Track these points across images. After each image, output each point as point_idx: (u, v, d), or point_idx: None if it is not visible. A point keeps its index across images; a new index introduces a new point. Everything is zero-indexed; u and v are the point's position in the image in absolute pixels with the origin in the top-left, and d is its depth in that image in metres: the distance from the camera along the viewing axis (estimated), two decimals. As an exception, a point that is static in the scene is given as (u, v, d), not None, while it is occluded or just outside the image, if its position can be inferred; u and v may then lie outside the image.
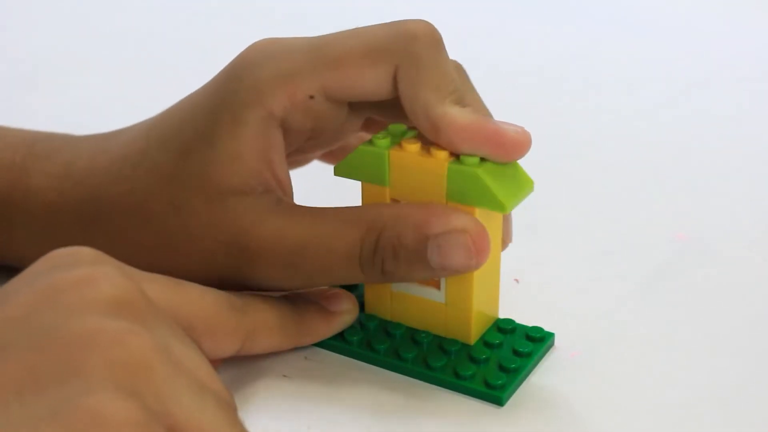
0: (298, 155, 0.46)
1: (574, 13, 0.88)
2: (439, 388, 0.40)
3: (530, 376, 0.41)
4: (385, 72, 0.40)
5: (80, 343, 0.29)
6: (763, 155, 0.61)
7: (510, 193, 0.38)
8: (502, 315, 0.43)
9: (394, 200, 0.41)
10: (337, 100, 0.41)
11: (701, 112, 0.67)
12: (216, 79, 0.42)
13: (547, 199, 0.48)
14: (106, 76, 0.74)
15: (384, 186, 0.40)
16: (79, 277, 0.32)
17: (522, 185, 0.39)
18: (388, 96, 0.40)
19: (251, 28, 0.84)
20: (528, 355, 0.41)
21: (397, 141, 0.40)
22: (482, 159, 0.39)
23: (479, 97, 0.43)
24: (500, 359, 0.40)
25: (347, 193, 0.46)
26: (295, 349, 0.42)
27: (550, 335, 0.42)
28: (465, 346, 0.41)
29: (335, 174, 0.41)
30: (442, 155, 0.39)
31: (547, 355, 0.42)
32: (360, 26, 0.41)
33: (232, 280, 0.41)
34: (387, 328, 0.42)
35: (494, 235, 0.41)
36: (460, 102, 0.39)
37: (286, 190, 0.42)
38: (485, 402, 0.39)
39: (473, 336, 0.41)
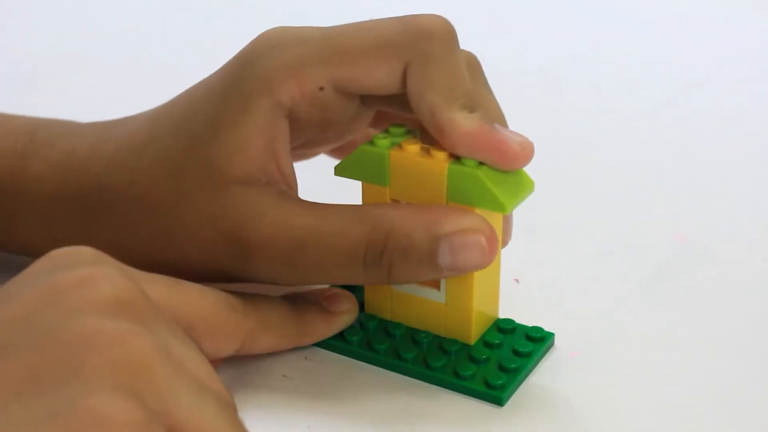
0: (305, 148, 0.46)
1: (574, 13, 0.88)
2: (439, 388, 0.40)
3: (530, 376, 0.41)
4: (395, 68, 0.39)
5: (81, 343, 0.29)
6: (763, 155, 0.61)
7: (510, 193, 0.38)
8: (502, 315, 0.43)
9: (395, 200, 0.41)
10: (346, 92, 0.40)
11: (701, 112, 0.67)
12: (226, 66, 0.42)
13: (547, 200, 0.48)
14: (106, 76, 0.74)
15: (384, 186, 0.40)
16: (79, 277, 0.31)
17: (522, 186, 0.39)
18: (398, 91, 0.40)
19: (251, 28, 0.84)
20: (528, 355, 0.41)
21: (397, 141, 0.40)
22: (482, 159, 0.39)
23: (492, 95, 0.42)
24: (500, 359, 0.40)
25: (347, 193, 0.46)
26: (295, 349, 0.42)
27: (550, 335, 0.42)
28: (465, 346, 0.41)
29: (335, 174, 0.41)
30: (443, 156, 0.39)
31: (547, 355, 0.42)
32: (374, 18, 0.41)
33: (231, 273, 0.40)
34: (387, 328, 0.42)
35: (495, 235, 0.41)
36: (469, 106, 0.39)
37: (290, 183, 0.41)
38: (485, 402, 0.39)
39: (473, 336, 0.41)
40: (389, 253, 0.38)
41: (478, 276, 0.40)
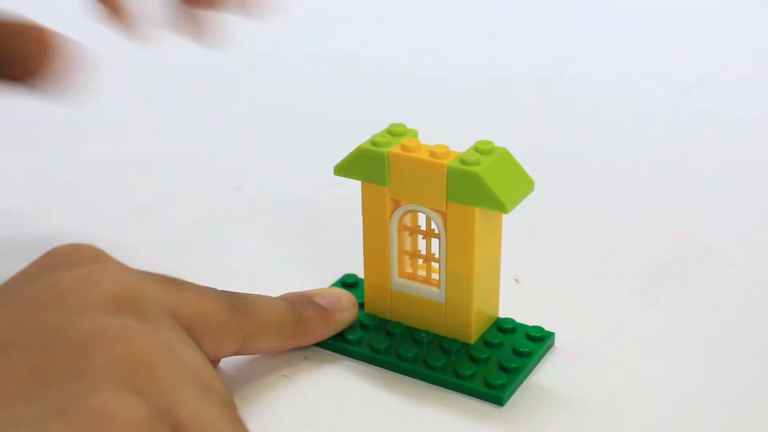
0: None
1: (574, 13, 0.88)
2: (439, 387, 0.40)
3: (530, 376, 0.41)
4: None
5: (85, 341, 0.29)
6: (763, 155, 0.61)
7: (510, 192, 0.38)
8: (502, 315, 0.43)
9: (395, 200, 0.41)
10: None
11: (701, 112, 0.67)
12: None
13: (547, 199, 0.48)
14: (106, 76, 0.74)
15: (384, 186, 0.40)
16: (82, 275, 0.32)
17: (522, 184, 0.39)
18: None
19: (251, 27, 0.84)
20: (528, 355, 0.41)
21: (397, 141, 0.40)
22: (482, 157, 0.38)
23: None
24: (500, 359, 0.40)
25: (347, 192, 0.46)
26: (295, 348, 0.42)
27: (551, 335, 0.42)
28: (465, 346, 0.41)
29: (335, 173, 0.41)
30: (442, 155, 0.39)
31: (547, 355, 0.42)
32: None
33: None
34: (387, 328, 0.42)
35: (494, 234, 0.41)
36: None
37: None
38: (485, 402, 0.39)
39: (473, 335, 0.41)
40: None
41: (478, 275, 0.40)
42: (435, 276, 0.42)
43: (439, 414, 0.39)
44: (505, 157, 0.39)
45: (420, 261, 0.43)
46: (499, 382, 0.39)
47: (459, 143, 0.41)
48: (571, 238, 0.52)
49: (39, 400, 0.28)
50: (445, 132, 0.46)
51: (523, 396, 0.40)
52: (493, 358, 0.41)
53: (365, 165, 0.40)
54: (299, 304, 0.41)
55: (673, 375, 0.41)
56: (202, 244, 0.51)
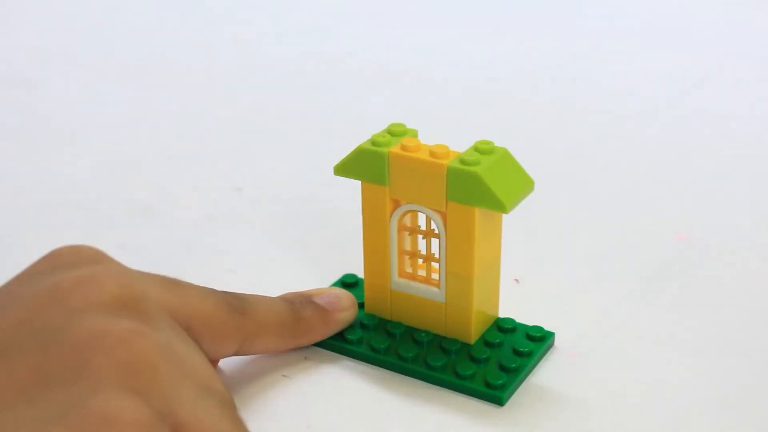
0: None
1: (574, 13, 0.88)
2: (439, 387, 0.40)
3: (530, 376, 0.41)
4: None
5: (85, 343, 0.29)
6: (763, 155, 0.61)
7: (510, 192, 0.38)
8: (502, 315, 0.43)
9: (395, 200, 0.41)
10: None
11: (701, 112, 0.67)
12: None
13: (547, 199, 0.48)
14: (106, 76, 0.74)
15: (384, 185, 0.40)
16: (81, 277, 0.32)
17: (522, 184, 0.39)
18: None
19: (251, 27, 0.84)
20: (528, 355, 0.41)
21: (397, 141, 0.40)
22: (482, 157, 0.38)
23: None
24: (500, 359, 0.40)
25: (347, 192, 0.46)
26: (295, 348, 0.42)
27: (551, 335, 0.42)
28: (465, 346, 0.41)
29: (335, 173, 0.41)
30: (443, 155, 0.39)
31: (547, 355, 0.42)
32: None
33: None
34: (387, 328, 0.42)
35: (494, 234, 0.41)
36: None
37: None
38: (485, 402, 0.39)
39: (473, 335, 0.41)
40: None
41: (478, 275, 0.40)
42: (435, 276, 0.42)
43: (439, 414, 0.39)
44: (505, 157, 0.39)
45: (420, 261, 0.42)
46: (499, 382, 0.39)
47: (459, 143, 0.41)
48: (571, 238, 0.52)
49: (40, 401, 0.28)
50: (445, 132, 0.46)
51: (523, 396, 0.40)
52: (493, 358, 0.41)
53: (365, 165, 0.40)
54: (298, 304, 0.41)
55: (673, 375, 0.41)
56: (202, 244, 0.51)
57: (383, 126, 0.41)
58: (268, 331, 0.39)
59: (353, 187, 0.42)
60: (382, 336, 0.42)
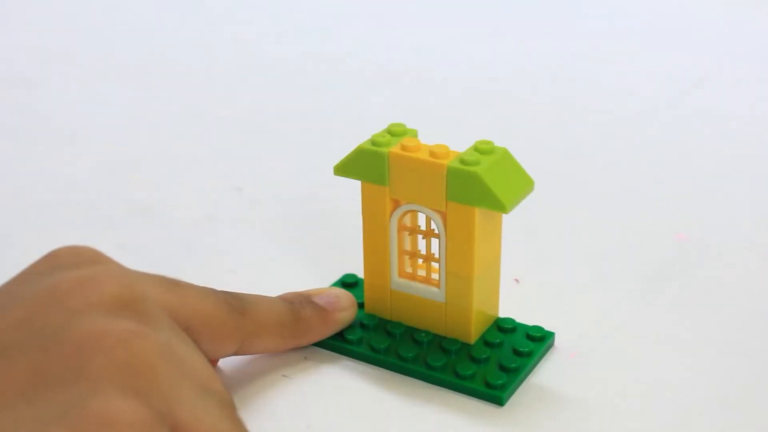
0: None
1: (574, 13, 0.88)
2: (439, 387, 0.40)
3: (530, 376, 0.41)
4: None
5: (85, 344, 0.29)
6: (763, 155, 0.61)
7: (510, 192, 0.38)
8: (502, 314, 0.43)
9: (395, 200, 0.41)
10: None
11: (701, 112, 0.67)
12: None
13: (547, 199, 0.48)
14: (106, 76, 0.74)
15: (384, 185, 0.40)
16: (81, 277, 0.32)
17: (522, 184, 0.39)
18: None
19: (251, 27, 0.84)
20: (528, 355, 0.41)
21: (397, 141, 0.40)
22: (482, 157, 0.38)
23: None
24: (500, 359, 0.40)
25: (347, 192, 0.46)
26: (295, 348, 0.42)
27: (551, 334, 0.42)
28: (465, 346, 0.41)
29: (335, 173, 0.41)
30: (442, 155, 0.39)
31: (547, 355, 0.42)
32: None
33: None
34: (387, 328, 0.42)
35: (495, 234, 0.41)
36: None
37: None
38: (485, 402, 0.39)
39: (473, 335, 0.41)
40: None
41: (478, 275, 0.40)
42: (435, 276, 0.42)
43: (439, 414, 0.39)
44: (505, 157, 0.39)
45: (420, 261, 0.42)
46: (499, 382, 0.39)
47: (459, 143, 0.41)
48: (571, 238, 0.52)
49: (40, 402, 0.28)
50: (445, 132, 0.46)
51: (523, 396, 0.40)
52: (493, 358, 0.41)
53: (365, 165, 0.40)
54: (298, 304, 0.41)
55: (673, 375, 0.41)
56: (202, 244, 0.51)
57: (383, 126, 0.41)
58: (268, 331, 0.39)
59: (353, 187, 0.42)
60: (382, 336, 0.42)
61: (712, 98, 0.70)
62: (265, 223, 0.53)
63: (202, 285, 0.37)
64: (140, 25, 0.85)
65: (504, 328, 0.42)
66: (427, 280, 0.42)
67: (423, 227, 0.42)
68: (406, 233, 0.42)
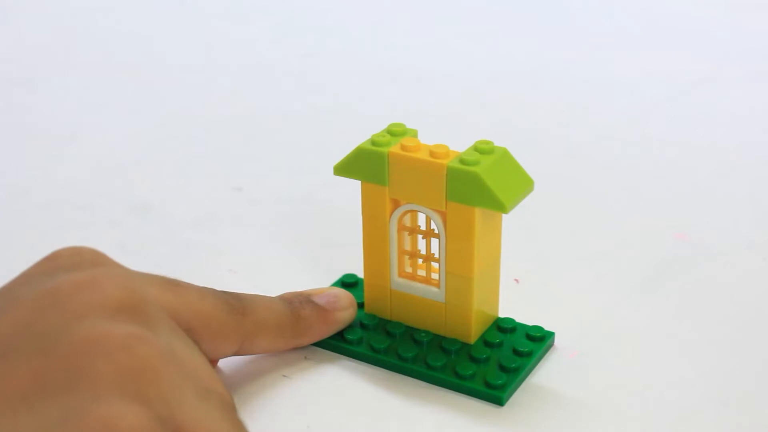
0: None
1: (574, 13, 0.88)
2: (439, 387, 0.40)
3: (530, 376, 0.41)
4: None
5: (86, 348, 0.29)
6: (763, 155, 0.61)
7: (510, 192, 0.38)
8: (502, 314, 0.43)
9: (394, 200, 0.41)
10: None
11: (701, 113, 0.67)
12: None
13: (547, 199, 0.48)
14: (106, 76, 0.74)
15: (383, 185, 0.40)
16: (82, 280, 0.32)
17: (522, 184, 0.39)
18: None
19: (251, 28, 0.84)
20: (528, 355, 0.41)
21: (397, 140, 0.40)
22: (482, 157, 0.38)
23: None
24: (500, 359, 0.40)
25: (347, 192, 0.46)
26: (295, 348, 0.42)
27: (551, 334, 0.42)
28: (465, 346, 0.41)
29: (335, 173, 0.41)
30: (442, 155, 0.39)
31: (547, 355, 0.42)
32: None
33: None
34: (387, 328, 0.42)
35: (495, 234, 0.41)
36: None
37: None
38: (485, 402, 0.39)
39: (473, 335, 0.41)
40: None
41: (478, 275, 0.40)
42: (435, 276, 0.42)
43: (439, 414, 0.39)
44: (505, 157, 0.39)
45: (420, 261, 0.42)
46: (499, 382, 0.39)
47: (459, 143, 0.41)
48: (571, 238, 0.52)
49: (41, 408, 0.28)
50: (445, 132, 0.46)
51: (523, 396, 0.40)
52: (493, 358, 0.41)
53: (365, 165, 0.40)
54: (297, 304, 0.41)
55: (672, 374, 0.41)
56: (202, 244, 0.51)
57: (383, 126, 0.41)
58: (268, 331, 0.39)
59: (353, 187, 0.42)
60: (382, 336, 0.42)
61: (712, 98, 0.70)
62: (265, 223, 0.53)
63: (202, 285, 0.37)
64: (140, 25, 0.85)
65: (504, 328, 0.42)
66: (427, 280, 0.42)
67: (423, 227, 0.42)
68: (406, 233, 0.42)
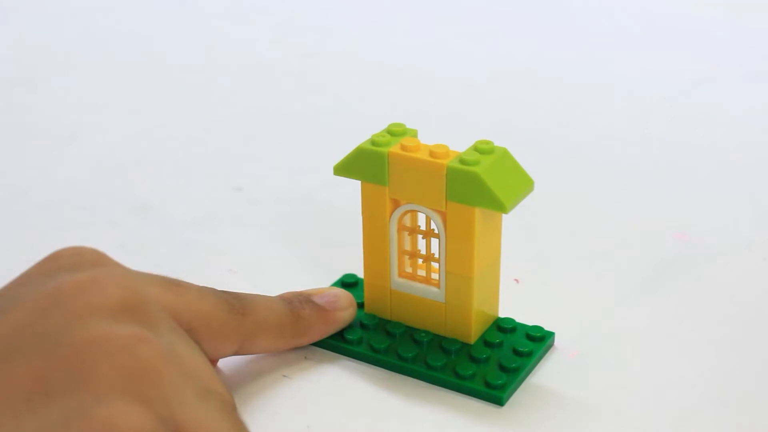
0: None
1: (574, 13, 0.88)
2: (439, 387, 0.40)
3: (530, 376, 0.41)
4: None
5: (88, 349, 0.29)
6: (763, 155, 0.61)
7: (510, 192, 0.38)
8: (502, 314, 0.43)
9: (394, 200, 0.41)
10: None
11: (701, 113, 0.67)
12: None
13: (547, 199, 0.48)
14: (106, 76, 0.74)
15: (383, 185, 0.40)
16: (83, 280, 0.32)
17: (522, 184, 0.39)
18: None
19: (251, 28, 0.84)
20: (528, 355, 0.41)
21: (397, 140, 0.40)
22: (482, 157, 0.38)
23: None
24: (500, 359, 0.40)
25: (347, 192, 0.46)
26: (295, 348, 0.42)
27: (550, 334, 0.42)
28: (465, 346, 0.41)
29: (335, 173, 0.41)
30: (442, 155, 0.39)
31: (547, 355, 0.42)
32: None
33: None
34: (387, 328, 0.42)
35: (495, 234, 0.41)
36: None
37: None
38: (485, 402, 0.39)
39: (473, 335, 0.41)
40: None
41: (478, 275, 0.40)
42: (435, 276, 0.42)
43: (439, 414, 0.39)
44: (505, 157, 0.39)
45: (420, 261, 0.42)
46: (499, 382, 0.39)
47: (459, 143, 0.41)
48: (571, 238, 0.52)
49: (43, 410, 0.28)
50: (445, 132, 0.46)
51: (523, 396, 0.40)
52: (493, 358, 0.41)
53: (365, 165, 0.40)
54: (297, 304, 0.41)
55: (672, 374, 0.41)
56: (202, 244, 0.51)
57: (383, 126, 0.41)
58: (268, 330, 0.39)
59: (353, 187, 0.42)
60: (382, 336, 0.42)
61: (712, 98, 0.70)
62: (265, 223, 0.53)
63: (202, 285, 0.37)
64: (140, 25, 0.85)
65: (504, 328, 0.42)
66: (427, 280, 0.42)
67: (423, 227, 0.42)
68: (406, 233, 0.42)
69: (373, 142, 0.40)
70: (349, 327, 0.42)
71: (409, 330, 0.42)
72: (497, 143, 0.39)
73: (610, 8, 0.88)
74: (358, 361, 0.42)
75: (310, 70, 0.75)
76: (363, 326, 0.42)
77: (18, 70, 0.75)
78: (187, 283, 0.37)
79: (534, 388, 0.40)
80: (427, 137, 0.42)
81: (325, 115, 0.67)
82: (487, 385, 0.39)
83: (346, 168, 0.41)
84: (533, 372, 0.41)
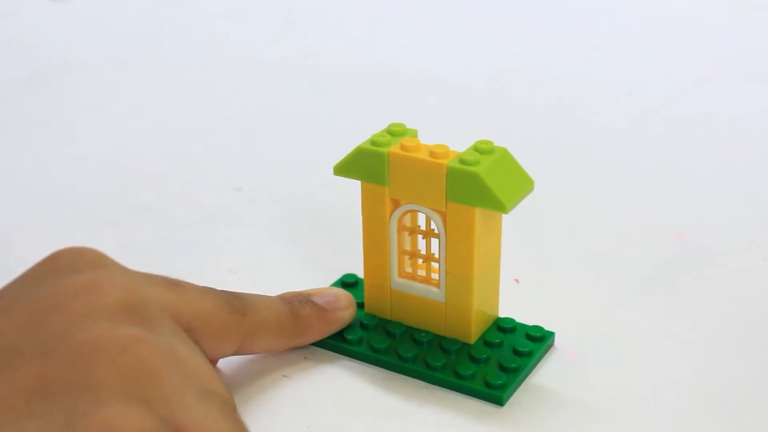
0: None
1: (574, 13, 0.88)
2: (439, 387, 0.40)
3: (530, 376, 0.41)
4: None
5: (88, 351, 0.29)
6: (763, 155, 0.61)
7: (510, 192, 0.38)
8: (502, 314, 0.43)
9: (394, 200, 0.41)
10: None
11: (701, 113, 0.67)
12: None
13: (547, 199, 0.48)
14: (106, 76, 0.74)
15: (383, 185, 0.40)
16: (84, 282, 0.32)
17: (522, 184, 0.39)
18: None
19: (251, 28, 0.84)
20: (528, 355, 0.41)
21: (396, 140, 0.40)
22: (482, 157, 0.38)
23: None
24: (500, 359, 0.40)
25: (347, 192, 0.46)
26: (295, 348, 0.42)
27: (551, 334, 0.42)
28: (465, 346, 0.41)
29: (335, 173, 0.41)
30: (442, 155, 0.39)
31: (547, 355, 0.42)
32: None
33: None
34: (387, 328, 0.42)
35: (495, 235, 0.41)
36: None
37: None
38: (485, 402, 0.39)
39: (473, 335, 0.41)
40: None
41: (478, 275, 0.40)
42: (435, 276, 0.42)
43: (439, 414, 0.39)
44: (505, 157, 0.39)
45: (420, 261, 0.42)
46: (499, 382, 0.39)
47: (459, 143, 0.41)
48: (571, 238, 0.52)
49: (44, 411, 0.28)
50: (445, 132, 0.46)
51: (523, 396, 0.40)
52: (493, 358, 0.41)
53: (365, 165, 0.40)
54: (297, 303, 0.41)
55: (672, 374, 0.41)
56: (202, 244, 0.51)
57: (383, 126, 0.41)
58: (268, 330, 0.39)
59: (353, 187, 0.42)
60: (382, 336, 0.42)
61: (712, 98, 0.70)
62: (265, 223, 0.53)
63: (202, 285, 0.37)
64: (140, 25, 0.85)
65: (504, 328, 0.42)
66: (427, 280, 0.42)
67: (423, 227, 0.42)
68: (406, 233, 0.42)
69: (373, 142, 0.40)
70: (349, 327, 0.42)
71: (409, 330, 0.42)
72: (497, 143, 0.39)
73: (610, 8, 0.88)
74: (358, 361, 0.42)
75: (310, 70, 0.75)
76: (363, 326, 0.42)
77: (18, 70, 0.75)
78: (188, 283, 0.37)
79: (534, 388, 0.40)
80: (427, 137, 0.42)
81: (325, 115, 0.67)
82: (487, 385, 0.39)
83: (346, 168, 0.41)
84: (533, 372, 0.41)
